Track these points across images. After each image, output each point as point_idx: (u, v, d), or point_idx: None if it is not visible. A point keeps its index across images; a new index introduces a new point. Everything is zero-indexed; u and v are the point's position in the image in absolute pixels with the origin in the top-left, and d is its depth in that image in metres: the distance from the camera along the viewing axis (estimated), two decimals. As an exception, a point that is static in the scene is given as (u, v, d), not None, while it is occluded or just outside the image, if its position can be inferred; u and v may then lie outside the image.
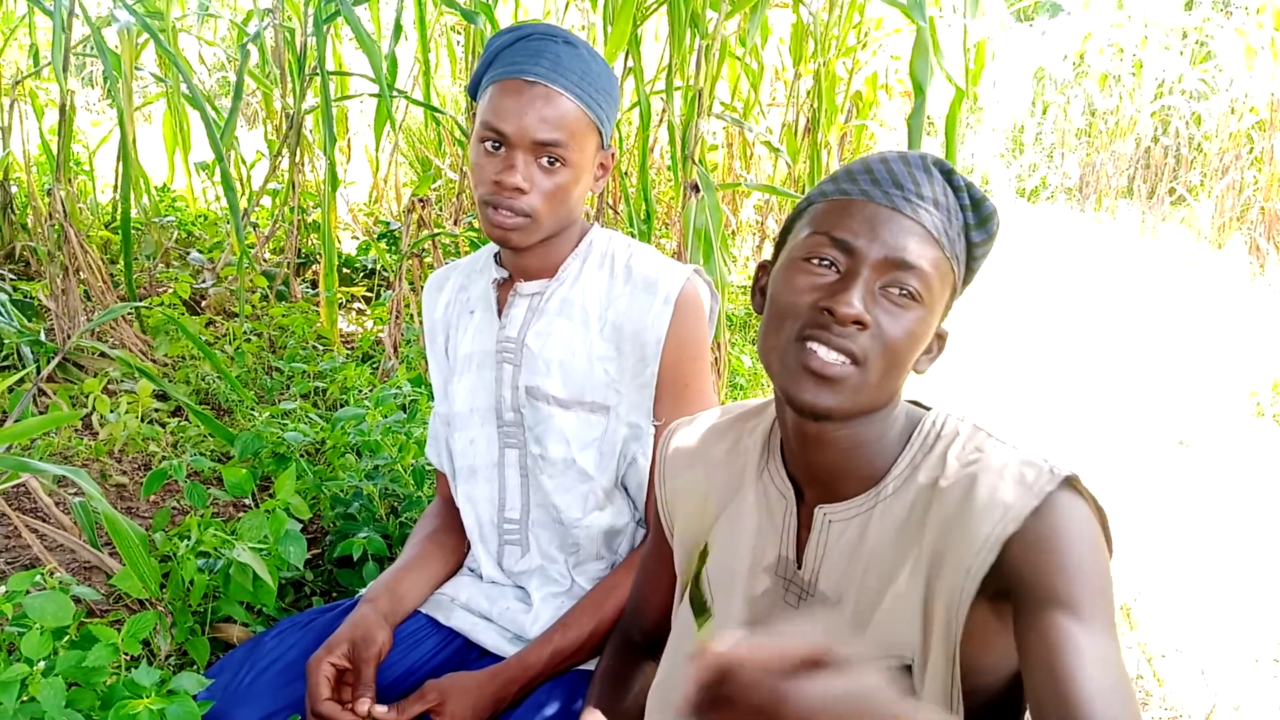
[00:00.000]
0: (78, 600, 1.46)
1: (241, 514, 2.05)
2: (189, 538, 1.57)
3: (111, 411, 2.47)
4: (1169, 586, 2.39)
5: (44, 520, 2.03)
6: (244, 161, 4.44)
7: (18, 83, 3.74)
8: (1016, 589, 0.80)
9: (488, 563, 1.41)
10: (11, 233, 3.79)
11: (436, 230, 3.27)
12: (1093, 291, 5.46)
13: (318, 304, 3.46)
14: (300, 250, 4.06)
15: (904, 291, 0.84)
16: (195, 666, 1.55)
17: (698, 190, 2.50)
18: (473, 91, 1.30)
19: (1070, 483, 0.82)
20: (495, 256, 1.38)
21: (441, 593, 1.41)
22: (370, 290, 4.20)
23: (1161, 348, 4.47)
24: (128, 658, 1.25)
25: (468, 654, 1.36)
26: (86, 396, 2.45)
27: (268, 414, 2.41)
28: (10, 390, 2.48)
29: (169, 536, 1.63)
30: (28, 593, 1.28)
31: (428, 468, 2.02)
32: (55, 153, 3.13)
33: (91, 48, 3.65)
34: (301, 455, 2.21)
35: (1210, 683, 2.02)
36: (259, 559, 1.51)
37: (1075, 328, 4.81)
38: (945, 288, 0.88)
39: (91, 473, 2.35)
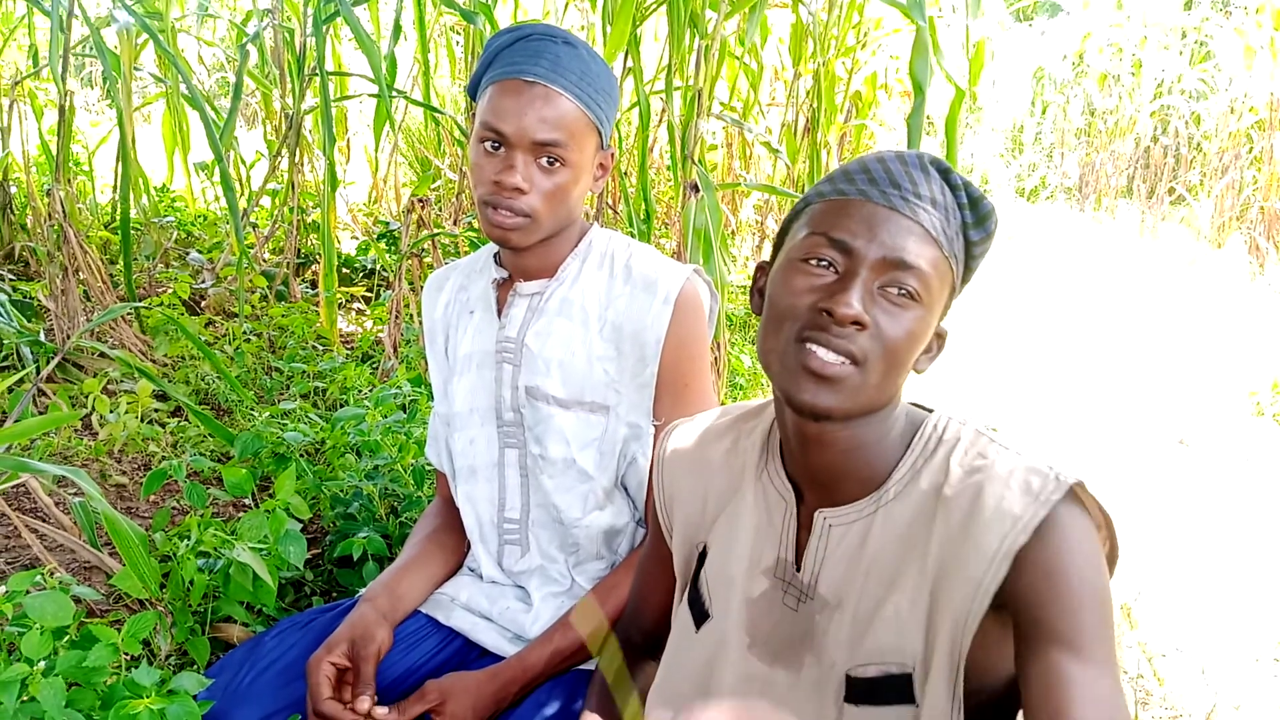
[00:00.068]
0: (78, 600, 1.46)
1: (241, 514, 2.05)
2: (189, 538, 1.57)
3: (111, 412, 2.47)
4: (1169, 586, 2.39)
5: (44, 520, 2.03)
6: (243, 162, 4.44)
7: (17, 83, 3.74)
8: (1018, 614, 0.81)
9: (488, 562, 1.41)
10: (11, 233, 3.79)
11: (436, 230, 3.27)
12: (1092, 291, 5.46)
13: (317, 304, 3.46)
14: (300, 250, 4.06)
15: (903, 291, 0.84)
16: (195, 666, 1.55)
17: (697, 190, 2.50)
18: (472, 92, 1.30)
19: (1075, 491, 0.82)
20: (495, 256, 1.38)
21: (441, 592, 1.42)
22: (370, 290, 4.20)
23: (1161, 347, 4.47)
24: (128, 657, 1.25)
25: (468, 654, 1.36)
26: (86, 397, 2.45)
27: (267, 414, 2.41)
28: (10, 390, 2.48)
29: (169, 536, 1.63)
30: (28, 593, 1.28)
31: (427, 467, 2.02)
32: (55, 153, 3.13)
33: (91, 48, 3.65)
34: (301, 455, 2.21)
35: (1210, 682, 2.02)
36: (259, 559, 1.51)
37: (1075, 327, 4.81)
38: (944, 287, 0.87)
39: (91, 473, 2.35)
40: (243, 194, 4.39)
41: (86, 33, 3.34)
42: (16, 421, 1.98)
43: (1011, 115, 8.84)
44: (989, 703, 0.89)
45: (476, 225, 3.99)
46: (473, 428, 1.39)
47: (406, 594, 1.36)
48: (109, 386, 2.81)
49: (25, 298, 3.29)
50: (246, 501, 2.28)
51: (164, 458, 2.48)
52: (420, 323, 3.15)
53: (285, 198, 3.91)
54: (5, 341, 2.88)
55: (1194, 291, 5.44)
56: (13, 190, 3.81)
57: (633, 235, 2.81)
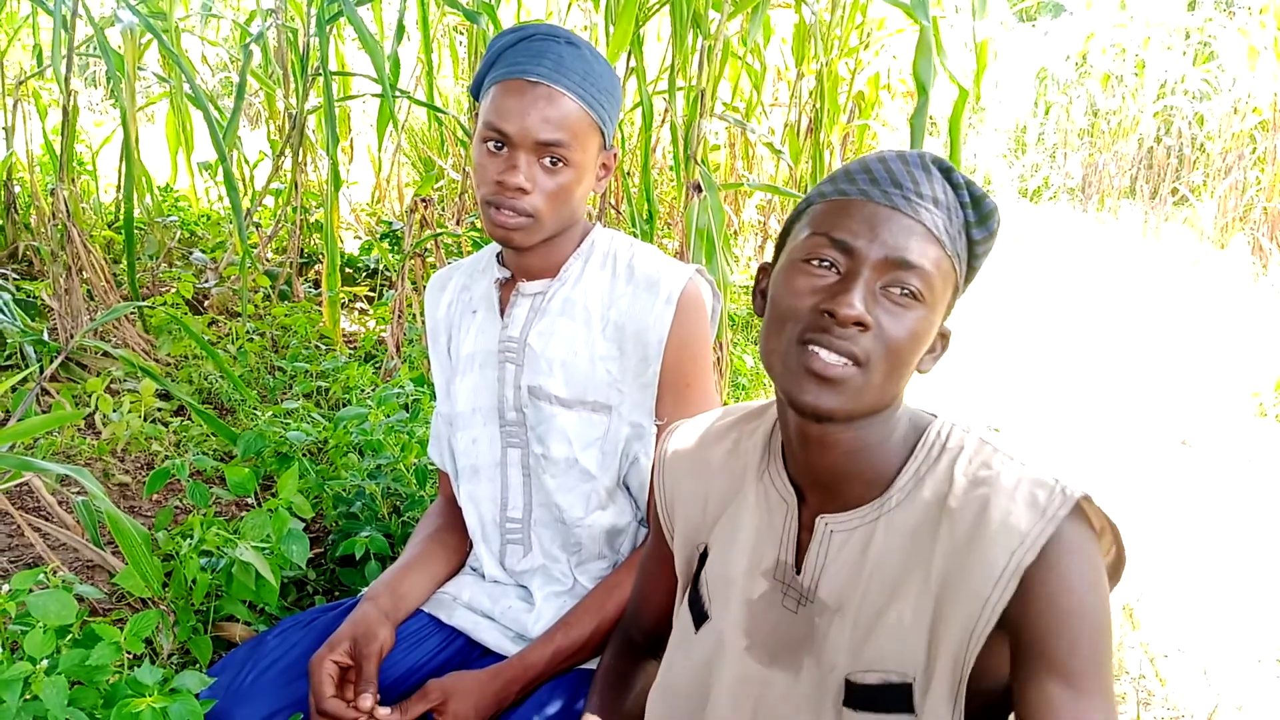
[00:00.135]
0: (80, 599, 1.46)
1: (244, 513, 2.06)
2: (191, 537, 1.57)
3: (114, 411, 2.48)
4: (1171, 586, 2.39)
5: (47, 519, 2.03)
6: (247, 161, 4.44)
7: (21, 83, 3.75)
8: (1015, 634, 0.81)
9: (490, 562, 1.41)
10: (15, 232, 3.80)
11: (439, 230, 3.28)
12: (1095, 292, 5.45)
13: (320, 303, 3.46)
14: (303, 250, 4.06)
15: (905, 291, 0.84)
16: (198, 665, 1.55)
17: (700, 190, 2.50)
18: (475, 92, 1.30)
19: (1081, 504, 0.82)
20: (498, 256, 1.38)
21: (444, 591, 1.42)
22: (373, 290, 4.20)
23: (1164, 348, 4.47)
24: (130, 656, 1.25)
25: (470, 653, 1.36)
26: (89, 396, 2.45)
27: (270, 413, 2.41)
28: (13, 390, 2.49)
29: (171, 535, 1.63)
30: (31, 591, 1.28)
31: (430, 467, 2.02)
32: (58, 153, 3.14)
33: (95, 48, 3.66)
34: (304, 454, 2.21)
35: (1213, 683, 2.02)
36: (261, 558, 1.52)
37: (1078, 328, 4.80)
38: (947, 286, 0.87)
39: (94, 472, 2.36)
40: (246, 193, 4.39)
41: (90, 32, 3.34)
42: (20, 420, 1.99)
43: (1014, 115, 8.83)
44: (987, 705, 0.89)
45: (479, 225, 3.99)
46: (475, 427, 1.39)
47: (409, 593, 1.37)
48: (112, 386, 2.82)
49: (29, 297, 3.29)
50: (249, 501, 2.28)
51: (167, 457, 2.49)
52: (423, 322, 3.16)
53: (288, 197, 3.92)
54: (9, 340, 2.88)
55: (1197, 292, 5.44)
56: (17, 190, 3.81)
57: (635, 235, 2.81)
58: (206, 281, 3.81)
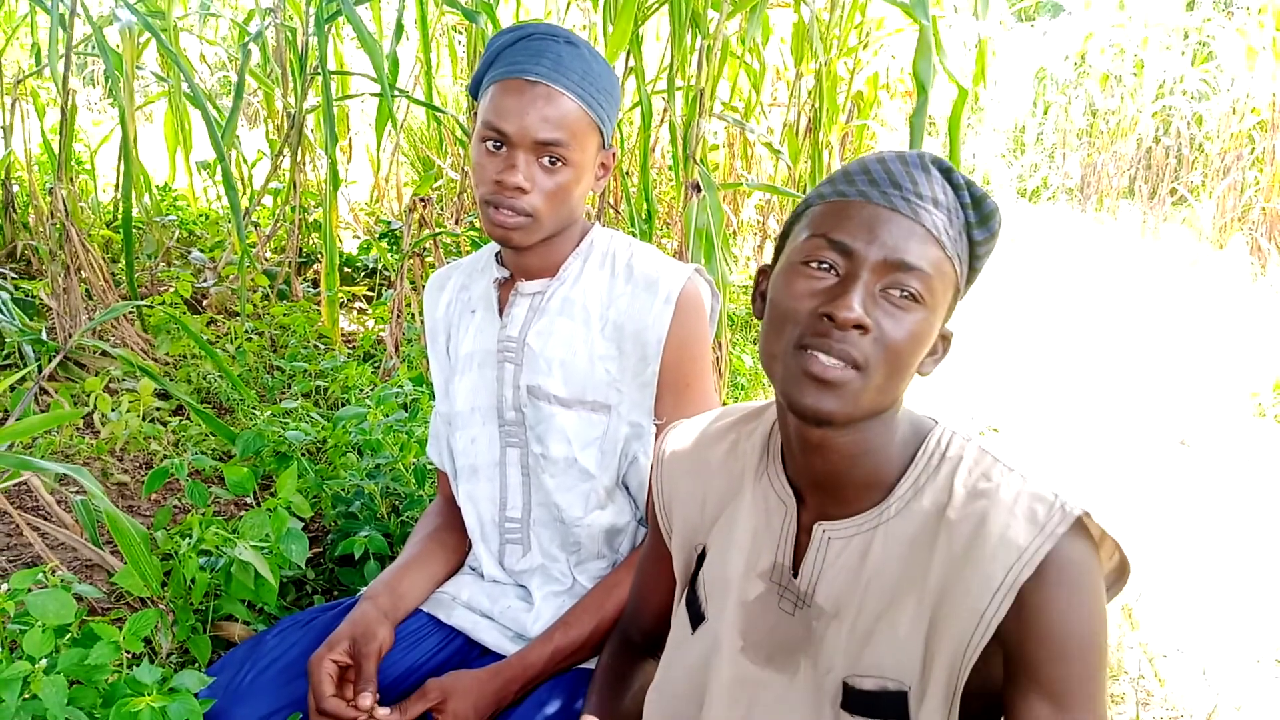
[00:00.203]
0: (79, 598, 1.46)
1: (243, 512, 2.06)
2: (190, 536, 1.57)
3: (113, 410, 2.48)
4: (1170, 586, 2.39)
5: (46, 518, 2.03)
6: (245, 161, 4.44)
7: (19, 82, 3.74)
8: (1008, 649, 0.82)
9: (489, 561, 1.41)
10: (13, 231, 3.80)
11: (438, 229, 3.28)
12: (1094, 292, 5.46)
13: (319, 303, 3.46)
14: (301, 249, 4.06)
15: (905, 293, 0.83)
16: (197, 664, 1.55)
17: (699, 190, 2.50)
18: (474, 91, 1.30)
19: (1081, 522, 0.82)
20: (496, 256, 1.38)
21: (443, 591, 1.42)
22: (371, 289, 4.20)
23: (1163, 348, 4.47)
24: (129, 655, 1.25)
25: (469, 652, 1.36)
26: (88, 395, 2.45)
27: (269, 413, 2.41)
28: (12, 389, 2.49)
29: (170, 535, 1.63)
30: (30, 591, 1.28)
31: (429, 466, 2.02)
32: (57, 152, 3.14)
33: (93, 47, 3.65)
34: (303, 454, 2.21)
35: (1212, 683, 2.02)
36: (260, 557, 1.52)
37: (1076, 328, 4.80)
38: (947, 288, 0.86)
39: (93, 471, 2.36)
40: (244, 193, 4.39)
41: (89, 31, 3.34)
42: (18, 420, 1.99)
43: (1013, 116, 8.83)
44: (988, 706, 0.89)
45: (478, 224, 3.99)
46: (474, 427, 1.39)
47: (408, 592, 1.36)
48: (111, 385, 2.82)
49: (27, 296, 3.29)
50: (248, 500, 2.28)
51: (165, 456, 2.49)
52: (422, 322, 3.15)
53: (287, 197, 3.92)
54: (7, 340, 2.88)
55: (1195, 292, 5.44)
56: (15, 189, 3.81)
57: (634, 235, 2.81)
58: (205, 281, 3.81)
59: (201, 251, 4.11)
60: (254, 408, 2.70)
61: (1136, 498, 2.92)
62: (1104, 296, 5.36)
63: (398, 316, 3.16)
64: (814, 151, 3.83)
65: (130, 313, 3.21)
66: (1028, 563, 0.80)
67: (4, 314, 2.97)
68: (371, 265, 4.29)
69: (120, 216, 3.25)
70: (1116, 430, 3.51)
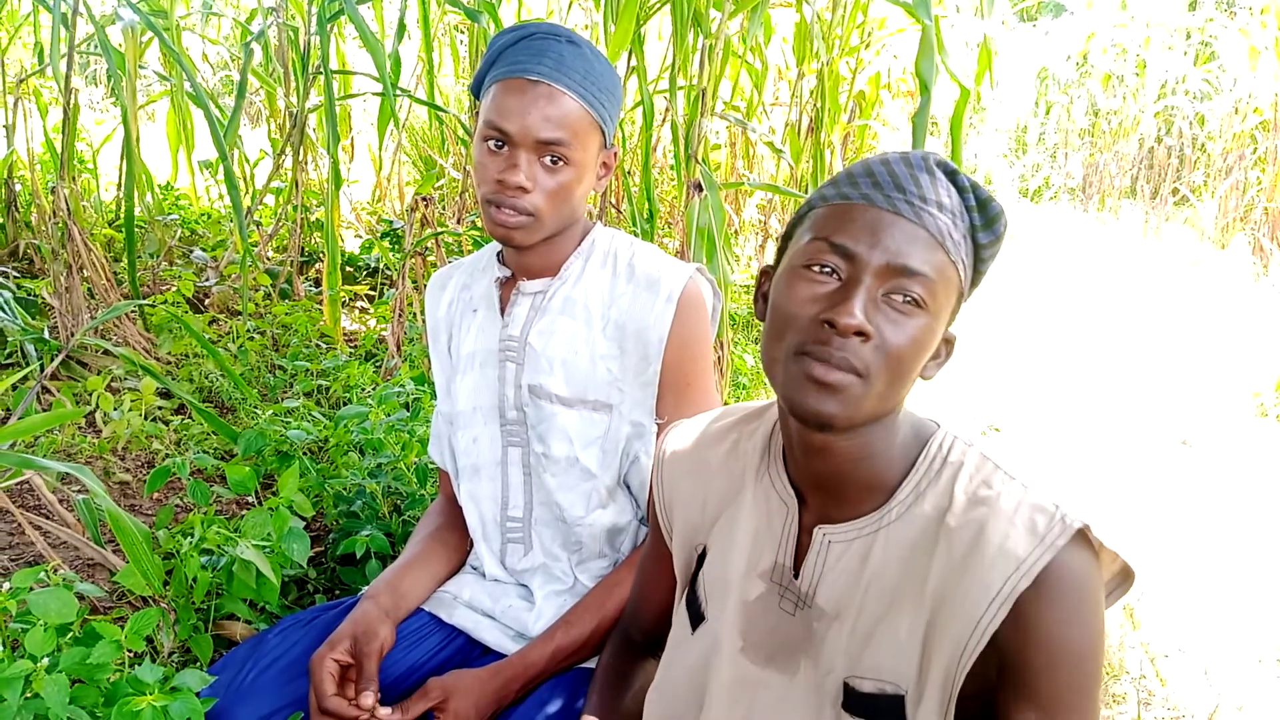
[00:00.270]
0: (81, 597, 1.46)
1: (244, 512, 2.06)
2: (192, 535, 1.57)
3: (115, 409, 2.48)
4: (1172, 586, 2.39)
5: (48, 517, 2.03)
6: (247, 160, 4.44)
7: (22, 81, 3.75)
8: (1001, 658, 0.82)
9: (490, 561, 1.41)
10: (15, 230, 3.80)
11: (439, 229, 3.28)
12: (1096, 292, 5.45)
13: (321, 302, 3.46)
14: (303, 249, 4.06)
15: (907, 299, 0.82)
16: (198, 663, 1.55)
17: (701, 189, 2.50)
18: (476, 90, 1.30)
19: (1082, 533, 0.82)
20: (498, 255, 1.38)
21: (444, 590, 1.42)
22: (373, 289, 4.20)
23: (1165, 348, 4.47)
24: (131, 654, 1.25)
25: (470, 652, 1.36)
26: (90, 394, 2.45)
27: (271, 412, 2.41)
28: (14, 388, 2.49)
29: (172, 534, 1.63)
30: (31, 589, 1.28)
31: (430, 466, 2.02)
32: (59, 151, 3.14)
33: (96, 46, 3.65)
34: (305, 453, 2.21)
35: (1213, 683, 2.02)
36: (262, 556, 1.52)
37: (1078, 328, 4.80)
38: (951, 293, 0.86)
39: (95, 470, 2.36)
40: (247, 192, 4.39)
41: (91, 30, 3.34)
42: (20, 419, 1.99)
43: (1015, 115, 8.83)
44: (988, 706, 0.89)
45: (480, 224, 3.99)
46: (476, 426, 1.39)
47: (409, 592, 1.37)
48: (113, 384, 2.82)
49: (29, 295, 3.29)
50: (250, 499, 2.28)
51: (167, 455, 2.49)
52: (423, 321, 3.16)
53: (289, 196, 3.92)
54: (9, 339, 2.88)
55: (1197, 292, 5.44)
56: (17, 188, 3.81)
57: (636, 234, 2.81)
58: (207, 280, 3.81)
59: (203, 250, 4.11)
60: (256, 407, 2.70)
61: (1138, 497, 2.92)
62: (1106, 296, 5.36)
63: (399, 316, 3.16)
64: (816, 151, 3.82)
65: (132, 312, 3.22)
66: (1026, 573, 0.80)
67: (6, 313, 2.98)
68: (373, 264, 4.29)
69: (122, 215, 3.25)
70: (1118, 430, 3.51)
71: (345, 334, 3.56)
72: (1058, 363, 4.26)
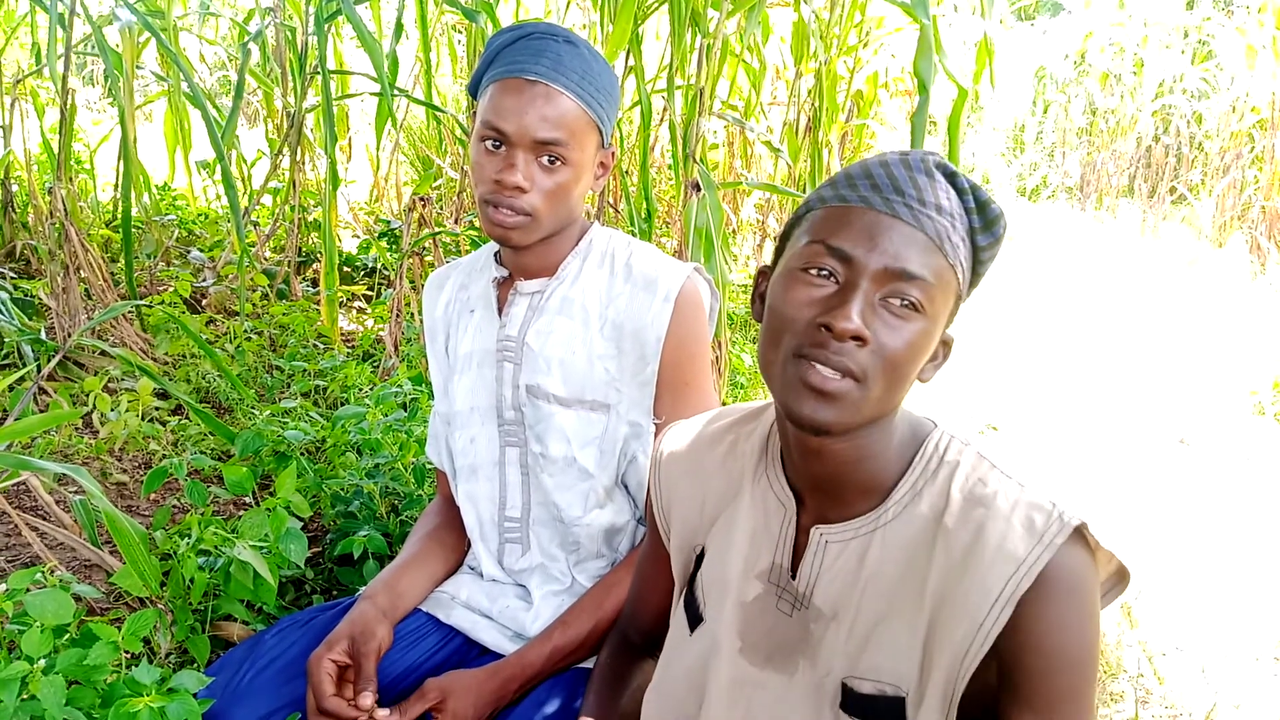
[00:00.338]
0: (78, 598, 1.46)
1: (242, 512, 2.06)
2: (189, 536, 1.57)
3: (112, 410, 2.48)
4: (1169, 585, 2.39)
5: (44, 518, 2.03)
6: (245, 160, 4.44)
7: (19, 81, 3.74)
8: (1000, 661, 0.82)
9: (488, 561, 1.41)
10: (12, 231, 3.79)
11: (437, 229, 3.27)
12: (1093, 290, 5.46)
13: (318, 302, 3.46)
14: (301, 249, 4.06)
15: (905, 302, 0.81)
16: (195, 664, 1.55)
17: (698, 189, 2.50)
18: (473, 90, 1.30)
19: (1079, 532, 0.82)
20: (495, 255, 1.38)
21: (442, 590, 1.42)
22: (371, 289, 4.20)
23: (1162, 346, 4.47)
24: (128, 655, 1.25)
25: (468, 652, 1.36)
26: (87, 395, 2.45)
27: (268, 412, 2.41)
28: (11, 388, 2.48)
29: (169, 535, 1.63)
30: (28, 591, 1.28)
31: (428, 466, 2.02)
32: (56, 151, 3.13)
33: (93, 46, 3.65)
34: (302, 453, 2.21)
35: (1211, 681, 2.02)
36: (259, 557, 1.51)
37: (1076, 327, 4.81)
38: (949, 296, 0.85)
39: (92, 471, 2.36)
40: (244, 192, 4.39)
41: (88, 31, 3.34)
42: (17, 419, 1.98)
43: (1013, 114, 8.83)
44: (988, 707, 0.89)
45: (477, 224, 3.99)
46: (473, 426, 1.39)
47: (407, 592, 1.36)
48: (110, 385, 2.82)
49: (26, 296, 3.29)
50: (247, 500, 2.28)
51: (165, 456, 2.48)
52: (421, 321, 3.15)
53: (286, 196, 3.91)
54: (6, 339, 2.88)
55: (1195, 291, 5.44)
56: (14, 188, 3.81)
57: (634, 234, 2.81)
58: (204, 280, 3.81)
59: (201, 251, 4.11)
60: (253, 407, 2.70)
61: (1136, 496, 2.92)
62: (1104, 295, 5.36)
63: (397, 316, 3.16)
64: (814, 150, 3.83)
65: (129, 312, 3.21)
66: (1026, 574, 0.80)
67: (3, 313, 2.97)
68: (371, 264, 4.29)
69: (119, 216, 3.25)
70: (1116, 429, 3.51)
71: (343, 334, 3.55)
72: (1055, 361, 4.27)
